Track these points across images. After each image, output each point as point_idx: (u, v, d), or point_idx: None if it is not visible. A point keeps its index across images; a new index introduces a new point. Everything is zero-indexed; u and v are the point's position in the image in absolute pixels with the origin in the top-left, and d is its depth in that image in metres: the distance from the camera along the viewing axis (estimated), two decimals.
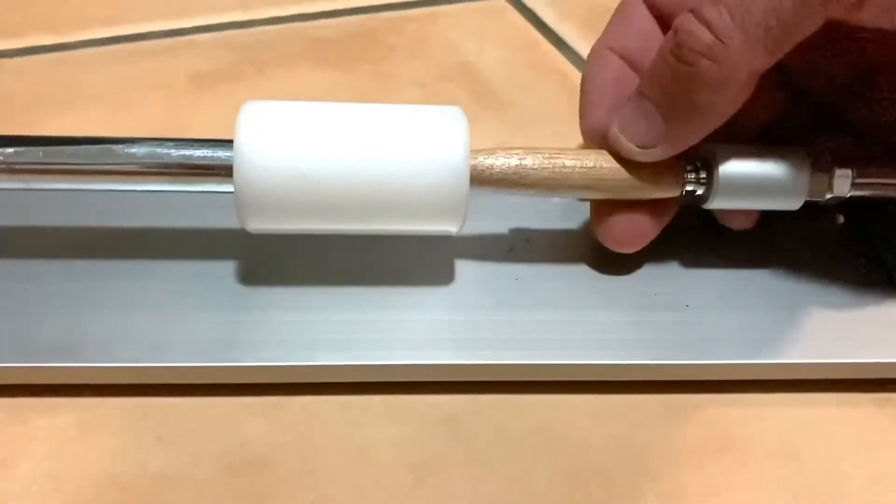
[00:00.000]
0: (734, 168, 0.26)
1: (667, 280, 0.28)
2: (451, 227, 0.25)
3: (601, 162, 0.26)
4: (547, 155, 0.25)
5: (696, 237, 0.29)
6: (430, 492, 0.23)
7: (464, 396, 0.25)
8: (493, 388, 0.25)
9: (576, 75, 0.41)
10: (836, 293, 0.28)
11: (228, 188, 0.24)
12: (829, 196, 0.26)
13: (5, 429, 0.23)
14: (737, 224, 0.28)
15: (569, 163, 0.25)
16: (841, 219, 0.31)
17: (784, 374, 0.25)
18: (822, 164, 0.26)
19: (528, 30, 0.45)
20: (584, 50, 0.42)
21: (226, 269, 0.27)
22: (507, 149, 0.26)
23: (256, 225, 0.25)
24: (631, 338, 0.26)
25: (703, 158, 0.26)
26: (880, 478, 0.24)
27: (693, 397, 0.25)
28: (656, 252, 0.28)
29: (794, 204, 0.26)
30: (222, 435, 0.23)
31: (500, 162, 0.25)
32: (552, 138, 0.36)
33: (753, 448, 0.24)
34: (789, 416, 0.25)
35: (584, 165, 0.26)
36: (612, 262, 0.28)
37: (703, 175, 0.26)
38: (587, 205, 0.28)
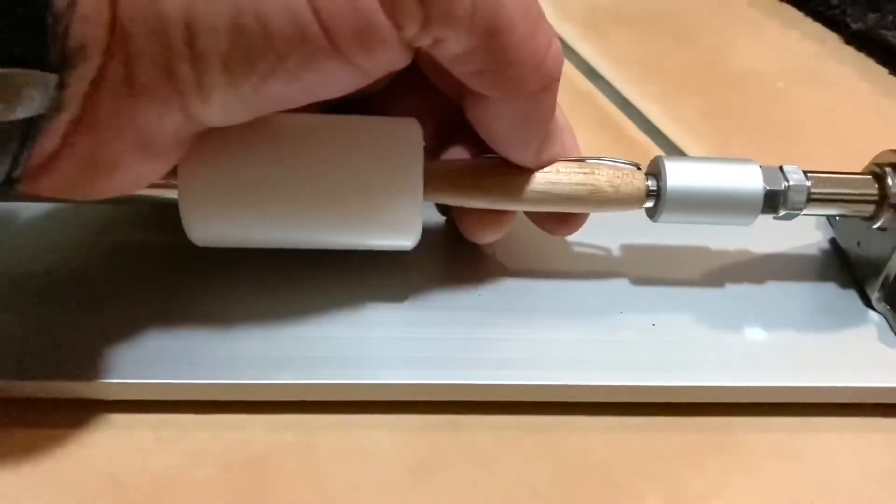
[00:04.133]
0: (683, 182, 0.25)
1: (633, 298, 0.27)
2: (405, 242, 0.25)
3: (562, 174, 0.24)
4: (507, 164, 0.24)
5: (664, 254, 0.29)
6: (430, 492, 0.23)
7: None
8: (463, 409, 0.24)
9: (576, 75, 0.41)
10: (806, 314, 0.27)
11: (173, 197, 0.23)
12: (783, 212, 0.25)
13: (5, 430, 0.23)
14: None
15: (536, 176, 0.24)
16: (817, 237, 0.30)
17: (750, 398, 0.25)
18: (776, 178, 0.25)
19: None
20: (584, 50, 0.42)
21: (178, 283, 0.26)
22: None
23: (202, 236, 0.24)
24: (595, 358, 0.25)
25: (651, 171, 0.26)
26: (880, 478, 0.24)
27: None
28: (623, 269, 0.28)
29: (747, 219, 0.25)
30: (222, 435, 0.23)
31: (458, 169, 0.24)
32: None
33: (753, 448, 0.24)
34: (789, 416, 0.25)
35: (548, 180, 0.24)
36: (579, 279, 0.28)
37: (652, 189, 0.25)
38: None
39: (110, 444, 0.23)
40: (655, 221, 0.26)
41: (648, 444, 0.24)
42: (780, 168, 0.26)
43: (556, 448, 0.24)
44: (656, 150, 0.36)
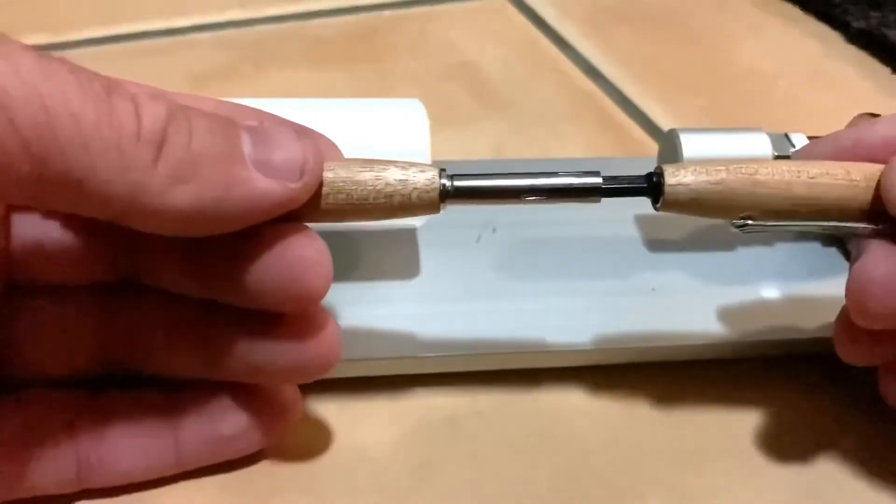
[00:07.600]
0: (699, 152, 0.26)
1: (634, 265, 0.28)
2: (413, 220, 0.25)
3: None
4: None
5: (663, 220, 0.28)
6: (430, 492, 0.22)
7: (463, 397, 0.25)
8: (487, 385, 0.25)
9: (577, 74, 0.41)
10: (802, 274, 0.28)
11: None
12: None
13: None
14: None
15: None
16: None
17: (746, 352, 0.26)
18: (783, 145, 0.26)
19: (529, 28, 0.45)
20: (584, 49, 0.42)
21: None
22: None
23: None
24: (599, 322, 0.26)
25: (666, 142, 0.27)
26: (882, 478, 0.23)
27: (689, 395, 0.25)
28: (622, 238, 0.29)
29: None
30: None
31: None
32: (553, 138, 0.36)
33: (755, 450, 0.24)
34: (789, 415, 0.25)
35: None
36: (579, 250, 0.28)
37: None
38: None
39: None
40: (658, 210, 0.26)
41: (649, 445, 0.24)
42: (786, 135, 0.27)
43: (557, 449, 0.24)
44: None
